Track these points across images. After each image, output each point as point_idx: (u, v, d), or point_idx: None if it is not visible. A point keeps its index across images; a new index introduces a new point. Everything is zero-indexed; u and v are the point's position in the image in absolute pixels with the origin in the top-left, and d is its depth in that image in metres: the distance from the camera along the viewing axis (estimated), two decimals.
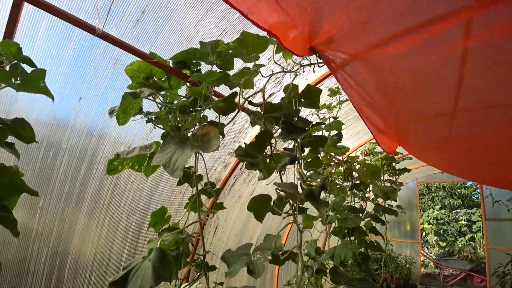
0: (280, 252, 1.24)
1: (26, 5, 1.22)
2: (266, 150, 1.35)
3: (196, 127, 1.28)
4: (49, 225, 1.86)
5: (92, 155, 1.80)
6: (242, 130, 2.30)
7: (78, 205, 1.93)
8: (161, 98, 1.49)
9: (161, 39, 1.53)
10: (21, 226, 1.80)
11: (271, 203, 1.42)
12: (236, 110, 1.29)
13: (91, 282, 2.16)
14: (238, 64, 1.64)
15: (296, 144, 1.23)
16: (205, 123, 1.34)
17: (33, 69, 1.14)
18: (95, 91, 1.55)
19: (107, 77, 1.53)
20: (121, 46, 1.33)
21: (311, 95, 1.35)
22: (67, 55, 1.39)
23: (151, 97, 1.41)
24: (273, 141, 1.32)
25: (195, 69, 1.54)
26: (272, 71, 1.38)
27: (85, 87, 1.52)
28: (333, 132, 2.39)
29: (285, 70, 1.38)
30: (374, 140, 3.55)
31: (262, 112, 1.29)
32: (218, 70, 1.50)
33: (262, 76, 1.32)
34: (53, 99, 1.23)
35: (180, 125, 1.39)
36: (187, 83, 1.53)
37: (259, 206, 1.45)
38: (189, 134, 1.20)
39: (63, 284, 2.02)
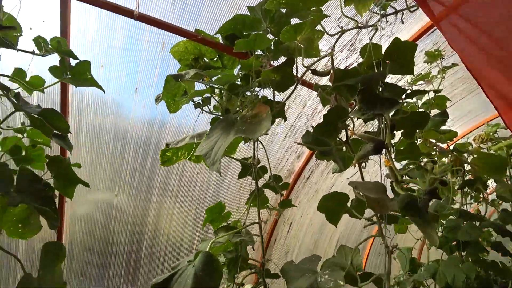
0: (359, 274, 0.90)
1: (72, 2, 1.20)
2: (340, 135, 1.02)
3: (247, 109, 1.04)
4: (124, 212, 1.95)
5: (156, 144, 1.78)
6: (315, 113, 1.97)
7: (148, 194, 1.97)
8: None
9: (205, 13, 1.35)
10: (103, 211, 1.93)
11: (349, 203, 1.08)
12: (295, 84, 1.00)
13: (164, 266, 2.23)
14: None
15: (382, 125, 0.86)
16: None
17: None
18: (149, 80, 1.48)
19: (157, 63, 1.44)
20: (163, 27, 1.19)
21: (400, 54, 0.94)
22: (117, 47, 1.35)
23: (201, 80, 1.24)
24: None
25: None
26: (342, 28, 1.02)
27: (139, 77, 1.47)
28: (434, 112, 1.84)
29: (360, 25, 1.00)
30: (493, 122, 2.68)
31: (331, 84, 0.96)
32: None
33: (328, 34, 0.98)
34: (103, 90, 1.18)
35: (230, 108, 1.18)
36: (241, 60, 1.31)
37: (333, 206, 1.13)
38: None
39: (141, 265, 2.13)
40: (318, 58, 1.06)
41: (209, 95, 1.21)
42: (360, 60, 1.07)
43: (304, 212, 2.80)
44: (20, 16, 0.98)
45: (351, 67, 1.65)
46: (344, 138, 1.03)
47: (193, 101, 1.23)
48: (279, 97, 1.09)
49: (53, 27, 1.23)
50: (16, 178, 0.92)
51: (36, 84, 1.15)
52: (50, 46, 1.04)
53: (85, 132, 1.64)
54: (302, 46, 1.00)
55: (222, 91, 1.19)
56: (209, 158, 0.83)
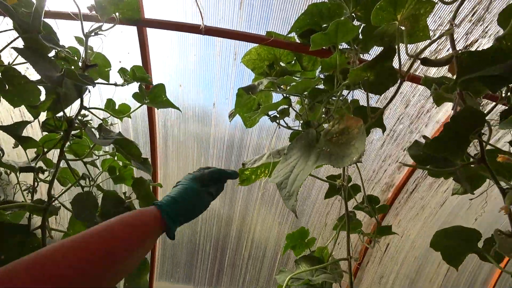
0: None
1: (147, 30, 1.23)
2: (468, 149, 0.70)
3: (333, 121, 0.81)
4: (209, 222, 1.96)
5: (236, 161, 1.72)
6: (421, 114, 1.56)
7: (231, 207, 1.93)
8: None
9: (276, 12, 1.18)
10: (189, 226, 1.99)
11: (478, 243, 0.74)
12: (398, 82, 0.73)
13: (246, 280, 2.17)
14: None
15: None
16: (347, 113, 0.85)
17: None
18: (225, 93, 1.42)
19: (232, 75, 1.36)
20: (231, 36, 1.09)
21: None
22: (191, 64, 1.32)
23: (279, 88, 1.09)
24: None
25: None
26: None
27: (215, 92, 1.42)
28: None
29: None
30: None
31: (455, 76, 0.66)
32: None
33: (444, 2, 0.67)
34: (179, 110, 1.16)
35: (311, 120, 0.98)
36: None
37: (454, 245, 0.79)
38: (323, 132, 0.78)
39: (223, 275, 2.13)
40: (428, 41, 0.77)
41: (286, 106, 1.05)
42: (491, 33, 0.72)
43: (405, 232, 2.32)
44: (109, 52, 1.03)
45: (476, 46, 1.22)
46: (478, 154, 0.70)
47: (268, 115, 1.09)
48: (374, 99, 0.83)
49: (137, 56, 1.30)
50: (101, 203, 0.96)
51: (124, 110, 1.22)
52: (127, 76, 1.07)
53: (171, 147, 1.71)
54: (403, 28, 0.73)
55: (304, 99, 1.00)
56: (285, 189, 0.65)
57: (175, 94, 1.46)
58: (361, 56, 1.06)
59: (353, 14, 0.93)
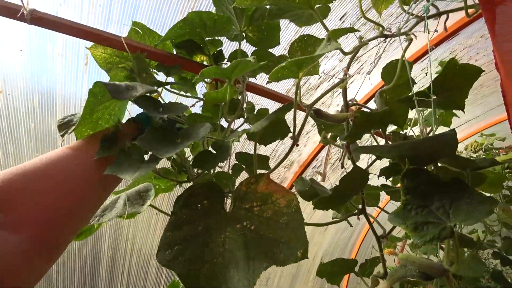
0: None
1: None
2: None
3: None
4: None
5: None
6: (302, 135, 1.60)
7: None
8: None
9: (146, 11, 0.91)
10: None
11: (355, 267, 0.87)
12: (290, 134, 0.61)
13: None
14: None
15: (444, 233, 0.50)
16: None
17: None
18: (72, 109, 1.02)
19: (82, 85, 0.98)
20: (74, 32, 0.75)
21: (453, 83, 0.60)
22: (18, 65, 0.87)
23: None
24: None
25: (214, 52, 0.89)
26: (361, 38, 0.65)
27: (59, 106, 1.00)
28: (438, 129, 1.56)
29: (387, 31, 0.64)
30: (487, 131, 2.51)
31: (347, 133, 0.60)
32: (253, 48, 0.84)
33: (343, 53, 0.59)
34: None
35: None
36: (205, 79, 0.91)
37: (337, 271, 0.88)
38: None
39: None
40: (321, 93, 0.70)
41: None
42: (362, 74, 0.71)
43: None
44: None
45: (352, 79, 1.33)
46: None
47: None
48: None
49: None
50: None
51: None
52: None
53: None
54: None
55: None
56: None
57: None
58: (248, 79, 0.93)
59: (244, 32, 0.78)
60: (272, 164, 1.61)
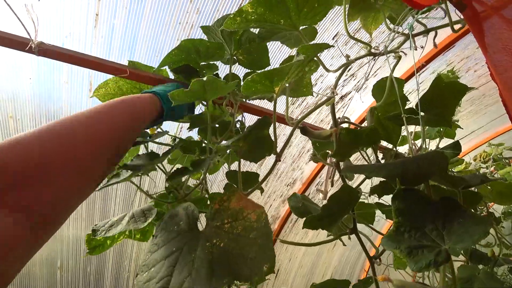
0: None
1: None
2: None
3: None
4: None
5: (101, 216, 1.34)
6: (302, 153, 1.61)
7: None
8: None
9: (144, 39, 0.95)
10: None
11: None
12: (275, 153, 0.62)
13: None
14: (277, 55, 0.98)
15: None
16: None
17: None
18: None
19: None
20: (77, 61, 0.80)
21: (441, 101, 0.60)
22: (26, 91, 0.92)
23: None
24: None
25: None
26: (348, 57, 0.66)
27: None
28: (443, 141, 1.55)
29: (374, 50, 0.66)
30: (495, 141, 2.46)
31: (334, 150, 0.60)
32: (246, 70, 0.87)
33: (327, 70, 0.62)
34: None
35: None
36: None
37: None
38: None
39: None
40: (308, 110, 0.71)
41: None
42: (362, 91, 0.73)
43: (293, 256, 2.43)
44: None
45: (349, 96, 1.34)
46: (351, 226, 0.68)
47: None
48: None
49: None
50: None
51: None
52: None
53: None
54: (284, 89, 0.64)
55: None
56: None
57: (4, 128, 1.03)
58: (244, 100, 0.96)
59: (235, 56, 0.81)
60: (273, 182, 1.60)
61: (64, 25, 0.86)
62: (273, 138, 0.60)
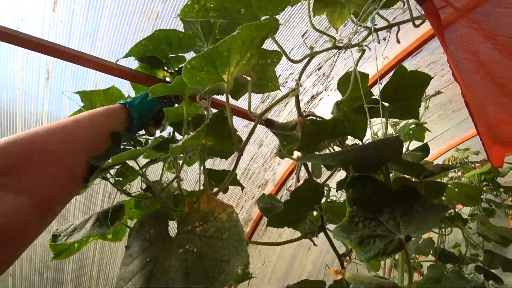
0: None
1: None
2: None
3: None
4: None
5: None
6: (274, 153, 1.60)
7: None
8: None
9: (107, 30, 0.91)
10: None
11: None
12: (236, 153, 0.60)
13: None
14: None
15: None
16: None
17: None
18: (34, 126, 0.99)
19: (43, 100, 0.96)
20: (29, 44, 0.74)
21: (405, 92, 0.61)
22: None
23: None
24: None
25: (177, 68, 0.89)
26: (312, 48, 0.66)
27: (19, 122, 0.97)
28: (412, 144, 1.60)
29: (338, 43, 0.66)
30: (462, 146, 2.58)
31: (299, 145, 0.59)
32: None
33: (291, 61, 0.61)
34: None
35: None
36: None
37: None
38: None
39: None
40: (271, 102, 0.70)
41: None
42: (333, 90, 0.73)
43: (267, 259, 2.40)
44: None
45: (320, 96, 1.34)
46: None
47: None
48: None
49: None
50: None
51: None
52: None
53: None
54: (249, 78, 0.62)
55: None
56: None
57: None
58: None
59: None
60: (244, 182, 1.58)
61: (20, 7, 0.80)
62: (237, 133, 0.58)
